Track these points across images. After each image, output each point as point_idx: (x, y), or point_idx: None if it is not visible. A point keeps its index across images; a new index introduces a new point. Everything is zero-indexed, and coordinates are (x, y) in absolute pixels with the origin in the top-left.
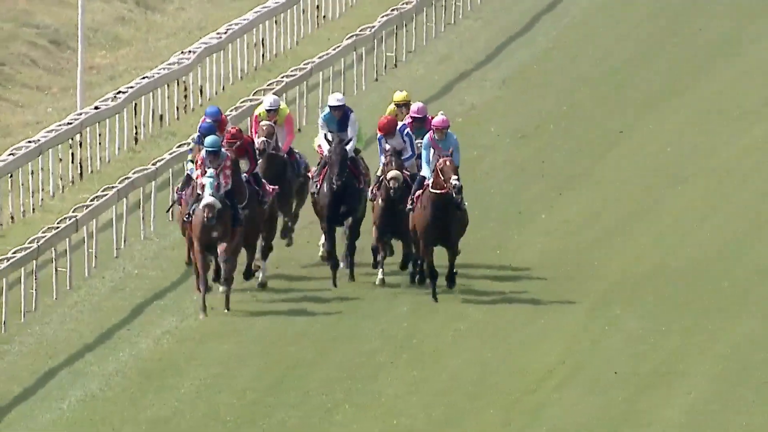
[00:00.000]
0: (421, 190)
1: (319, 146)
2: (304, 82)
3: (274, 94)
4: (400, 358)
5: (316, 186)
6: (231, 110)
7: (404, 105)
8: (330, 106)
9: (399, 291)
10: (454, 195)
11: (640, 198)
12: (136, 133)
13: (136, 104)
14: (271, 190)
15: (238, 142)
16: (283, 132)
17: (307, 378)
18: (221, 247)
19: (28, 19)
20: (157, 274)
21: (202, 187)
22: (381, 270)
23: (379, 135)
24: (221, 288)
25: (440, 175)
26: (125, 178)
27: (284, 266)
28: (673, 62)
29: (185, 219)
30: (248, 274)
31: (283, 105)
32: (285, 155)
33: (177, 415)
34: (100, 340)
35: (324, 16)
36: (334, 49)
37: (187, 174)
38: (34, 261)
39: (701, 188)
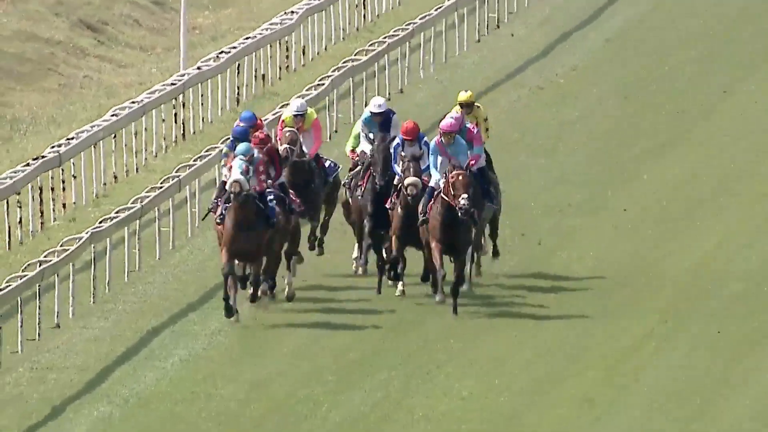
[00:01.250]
0: (433, 200)
1: (352, 151)
2: (406, 43)
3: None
4: (500, 320)
5: (360, 189)
6: (333, 70)
7: (468, 105)
8: (372, 112)
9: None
10: (460, 215)
11: (742, 159)
12: (238, 94)
13: (238, 64)
14: (297, 201)
15: (265, 149)
16: (310, 137)
17: (407, 339)
18: (254, 266)
19: None
20: None
21: (230, 168)
22: (401, 282)
23: (396, 141)
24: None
25: (450, 189)
26: (228, 138)
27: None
28: None
29: (217, 222)
30: (270, 284)
31: (310, 110)
32: (312, 162)
33: (279, 375)
34: (203, 299)
35: None
36: (435, 10)
37: (222, 181)
38: (138, 221)
39: None
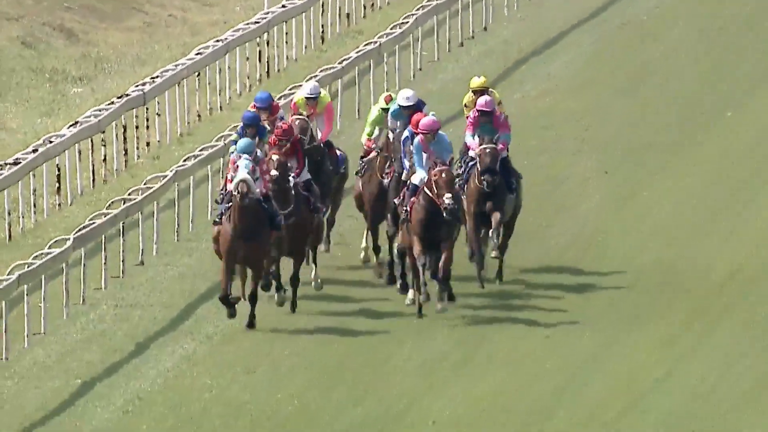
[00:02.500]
0: (415, 197)
1: (368, 139)
2: None
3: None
4: (588, 252)
5: (388, 180)
6: (417, 8)
7: (481, 92)
8: (400, 106)
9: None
10: (445, 215)
11: None
12: (322, 32)
13: (323, 2)
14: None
15: (289, 140)
16: (322, 121)
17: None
18: (255, 272)
19: None
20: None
21: (236, 168)
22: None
23: (405, 135)
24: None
25: (434, 188)
26: (312, 77)
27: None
28: None
29: (214, 221)
30: (295, 279)
31: (323, 93)
32: (322, 147)
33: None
34: None
35: None
36: None
37: (225, 187)
38: (221, 159)
39: None
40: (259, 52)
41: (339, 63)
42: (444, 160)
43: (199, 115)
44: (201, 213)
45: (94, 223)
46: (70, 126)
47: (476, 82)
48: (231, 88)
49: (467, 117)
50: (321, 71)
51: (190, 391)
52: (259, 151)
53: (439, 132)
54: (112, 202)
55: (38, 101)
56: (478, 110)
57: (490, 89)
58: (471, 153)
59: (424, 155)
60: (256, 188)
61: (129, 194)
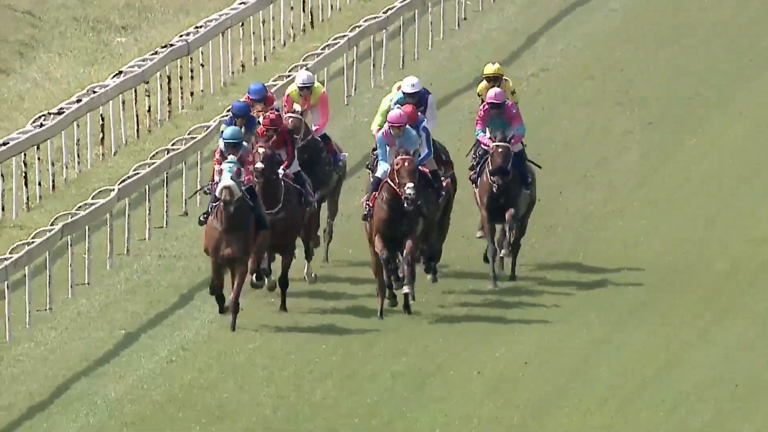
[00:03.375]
0: (377, 192)
1: (378, 129)
2: None
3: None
4: (630, 206)
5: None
6: None
7: (495, 79)
8: (404, 93)
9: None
10: (405, 205)
11: None
12: None
13: None
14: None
15: (277, 131)
16: (317, 113)
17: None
18: (238, 273)
19: None
20: None
21: (220, 173)
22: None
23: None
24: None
25: (395, 177)
26: (356, 26)
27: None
28: None
29: (200, 220)
30: (284, 278)
31: (317, 83)
32: (318, 140)
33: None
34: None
35: None
36: None
37: (211, 183)
38: None
39: None
40: (303, 1)
41: (384, 12)
42: (408, 151)
43: (242, 65)
44: None
45: (138, 173)
46: (114, 76)
47: (490, 68)
48: (275, 38)
49: (480, 109)
50: (365, 21)
51: (234, 341)
52: (245, 143)
53: (407, 126)
54: (156, 153)
55: (82, 51)
56: (488, 103)
57: (504, 77)
58: (483, 147)
59: (389, 149)
60: (239, 193)
61: (173, 144)
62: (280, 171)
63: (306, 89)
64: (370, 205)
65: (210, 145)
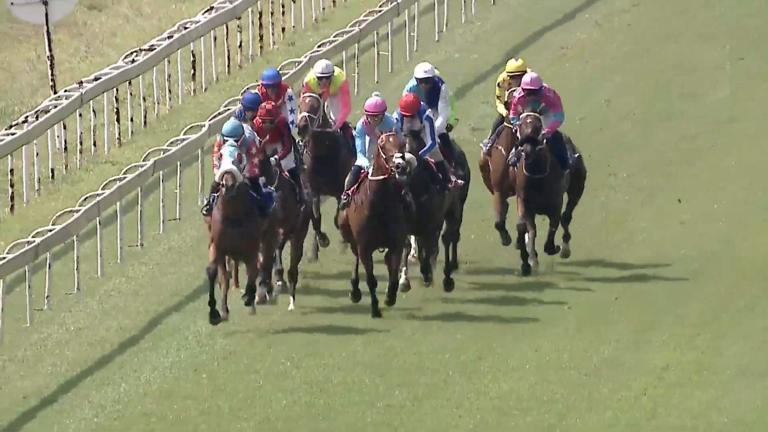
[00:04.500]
0: (357, 183)
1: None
2: None
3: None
4: (721, 141)
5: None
6: None
7: (518, 76)
8: (417, 78)
9: None
10: (396, 176)
11: None
12: None
13: None
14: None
15: (273, 123)
16: (337, 103)
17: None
18: (249, 267)
19: None
20: (478, 57)
21: (220, 157)
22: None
23: (396, 116)
24: (247, 309)
25: (381, 154)
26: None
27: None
28: None
29: (204, 212)
30: (257, 288)
31: (337, 71)
32: (338, 132)
33: None
34: None
35: None
36: None
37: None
38: (357, 44)
39: None
40: None
41: None
42: (390, 131)
43: (333, 1)
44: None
45: (228, 109)
46: (206, 12)
47: (513, 65)
48: None
49: (497, 97)
50: None
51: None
52: (247, 132)
53: (386, 114)
54: (247, 89)
55: None
56: (524, 89)
57: (528, 70)
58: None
59: (368, 138)
60: (241, 178)
61: None
62: (273, 159)
63: (325, 79)
64: (350, 195)
65: (303, 77)
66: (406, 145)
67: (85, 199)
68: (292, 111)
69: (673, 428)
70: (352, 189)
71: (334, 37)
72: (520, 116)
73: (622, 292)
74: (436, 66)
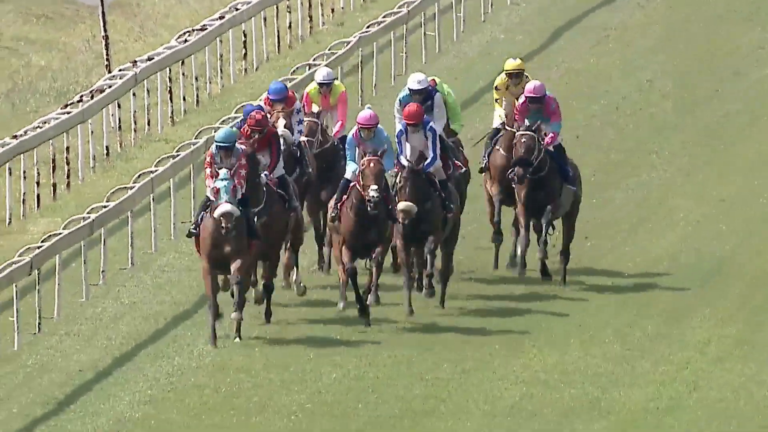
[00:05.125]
0: (346, 195)
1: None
2: None
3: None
4: (762, 119)
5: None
6: None
7: (516, 75)
8: (410, 89)
9: None
10: (369, 209)
11: None
12: None
13: None
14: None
15: (263, 133)
16: (335, 113)
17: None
18: (235, 265)
19: None
20: (523, 38)
21: (216, 192)
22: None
23: (399, 129)
24: (232, 315)
25: (360, 179)
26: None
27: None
28: None
29: (191, 231)
30: (268, 292)
31: (337, 81)
32: (336, 142)
33: None
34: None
35: None
36: None
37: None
38: (404, 25)
39: None
40: None
41: None
42: (376, 151)
43: None
44: (384, 78)
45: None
46: None
47: (512, 63)
48: None
49: (495, 101)
50: None
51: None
52: (239, 146)
53: (378, 126)
54: (297, 68)
55: None
56: (526, 96)
57: (525, 74)
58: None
59: (357, 150)
60: (238, 213)
61: (314, 60)
62: (263, 176)
63: (325, 86)
64: (338, 209)
65: (350, 60)
66: (382, 172)
67: (138, 176)
68: (300, 122)
69: (714, 401)
70: (341, 202)
71: (383, 17)
72: (515, 135)
73: (664, 268)
74: (486, 43)
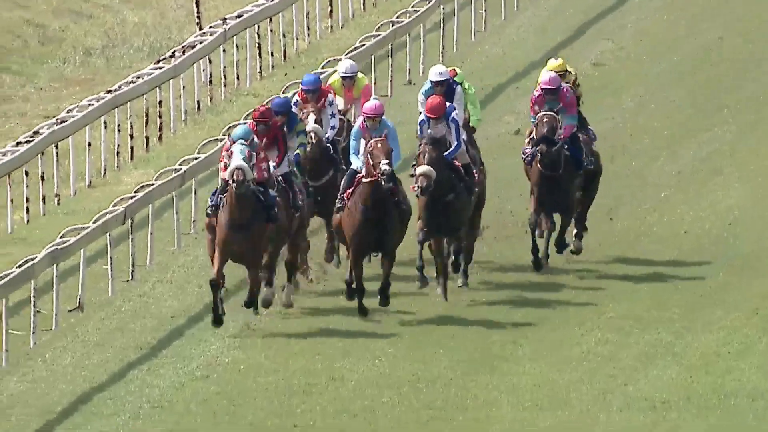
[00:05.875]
0: (352, 187)
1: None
2: None
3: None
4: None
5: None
6: None
7: (560, 75)
8: (431, 81)
9: None
10: (383, 183)
11: None
12: None
13: None
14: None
15: (267, 125)
16: (358, 106)
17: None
18: (250, 275)
19: None
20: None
21: (230, 155)
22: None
23: (421, 118)
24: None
25: (369, 160)
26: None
27: None
28: None
29: (208, 212)
30: (260, 298)
31: (360, 74)
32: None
33: None
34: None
35: None
36: None
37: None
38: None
39: None
40: None
41: None
42: (380, 136)
43: None
44: (465, 33)
45: (364, 44)
46: None
47: (553, 64)
48: None
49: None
50: None
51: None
52: (256, 138)
53: (384, 118)
54: (381, 25)
55: None
56: (542, 88)
57: (568, 69)
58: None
59: (363, 141)
60: (252, 175)
61: (397, 17)
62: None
63: (349, 79)
64: (345, 199)
65: (432, 17)
66: (391, 150)
67: (228, 128)
68: (332, 116)
69: None
70: (347, 193)
71: (413, 8)
72: (537, 115)
73: (735, 219)
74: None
